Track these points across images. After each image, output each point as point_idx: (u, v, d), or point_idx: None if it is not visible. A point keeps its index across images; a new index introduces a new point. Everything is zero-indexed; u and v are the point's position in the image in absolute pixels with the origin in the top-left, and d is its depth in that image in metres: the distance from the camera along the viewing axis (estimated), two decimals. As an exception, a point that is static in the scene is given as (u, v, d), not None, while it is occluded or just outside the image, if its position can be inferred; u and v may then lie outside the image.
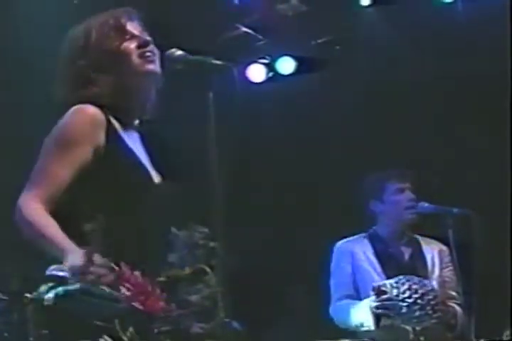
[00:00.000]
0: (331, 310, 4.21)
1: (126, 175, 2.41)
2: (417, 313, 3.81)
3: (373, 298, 3.91)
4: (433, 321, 3.81)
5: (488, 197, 5.58)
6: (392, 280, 3.89)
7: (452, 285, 4.12)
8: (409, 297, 3.82)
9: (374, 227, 4.26)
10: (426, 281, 3.94)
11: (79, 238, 2.30)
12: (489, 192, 5.74)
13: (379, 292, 3.88)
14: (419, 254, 4.21)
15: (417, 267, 4.12)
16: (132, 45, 2.50)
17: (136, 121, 2.57)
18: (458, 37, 5.84)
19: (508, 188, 5.53)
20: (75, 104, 2.45)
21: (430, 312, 3.81)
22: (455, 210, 4.08)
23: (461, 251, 3.97)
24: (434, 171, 5.89)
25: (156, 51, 2.52)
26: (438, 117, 6.33)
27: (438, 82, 6.19)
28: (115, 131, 2.45)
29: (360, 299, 4.09)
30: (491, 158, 5.75)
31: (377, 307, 3.89)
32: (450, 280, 4.15)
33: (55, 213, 2.36)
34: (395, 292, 3.84)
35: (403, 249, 4.22)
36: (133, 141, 2.52)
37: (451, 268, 4.16)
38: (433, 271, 4.14)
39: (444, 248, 4.22)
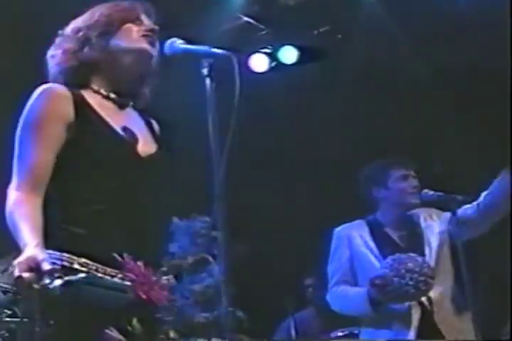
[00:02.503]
0: (328, 295, 4.21)
1: (100, 147, 2.37)
2: (423, 288, 3.85)
3: (371, 289, 3.91)
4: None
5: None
6: (386, 270, 3.90)
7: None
8: (411, 278, 3.84)
9: (375, 213, 4.26)
10: (413, 255, 3.96)
11: (78, 223, 2.30)
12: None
13: (380, 285, 3.88)
14: (418, 239, 4.21)
15: (415, 252, 4.12)
16: (137, 28, 2.51)
17: (131, 103, 2.56)
18: (459, 27, 5.82)
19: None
20: (68, 69, 2.46)
21: (430, 280, 3.87)
22: (459, 197, 4.07)
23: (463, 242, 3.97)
24: (435, 160, 5.89)
25: (158, 43, 2.53)
26: (439, 106, 6.33)
27: (439, 70, 6.19)
28: (87, 105, 2.41)
29: (357, 284, 4.10)
30: (492, 148, 5.75)
31: (379, 298, 3.90)
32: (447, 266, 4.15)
33: (47, 198, 2.34)
34: (396, 280, 3.86)
35: (402, 233, 4.22)
36: (126, 118, 2.49)
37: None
38: (430, 255, 4.14)
39: (449, 215, 4.16)
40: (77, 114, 2.39)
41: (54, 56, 2.51)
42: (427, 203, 4.16)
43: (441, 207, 4.16)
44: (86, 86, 2.48)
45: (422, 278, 3.86)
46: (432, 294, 3.94)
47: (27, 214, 2.28)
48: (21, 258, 2.14)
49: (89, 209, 2.32)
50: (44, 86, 2.42)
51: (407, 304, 3.93)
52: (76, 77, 2.47)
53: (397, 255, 3.96)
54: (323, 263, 4.31)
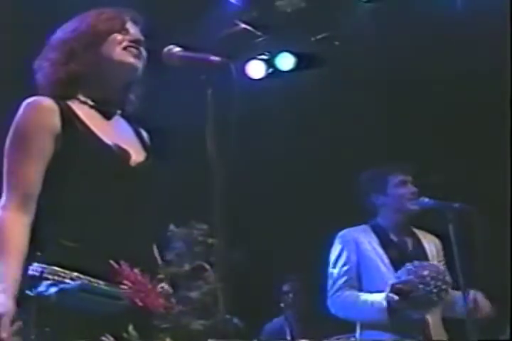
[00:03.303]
0: (330, 300, 4.15)
1: (88, 157, 2.36)
2: (443, 296, 3.84)
3: (394, 296, 3.86)
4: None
5: (488, 194, 5.59)
6: (411, 276, 3.86)
7: None
8: (436, 286, 3.82)
9: (376, 219, 4.25)
10: (433, 263, 3.96)
11: (70, 236, 2.29)
12: (488, 189, 5.75)
13: (403, 291, 3.84)
14: (419, 246, 4.21)
15: (420, 258, 4.11)
16: (122, 38, 2.50)
17: (118, 111, 2.55)
18: (458, 33, 5.83)
19: (508, 185, 5.55)
20: (54, 82, 2.45)
21: (450, 289, 3.86)
22: (456, 205, 4.08)
23: (460, 247, 3.97)
24: (434, 167, 5.89)
25: (144, 53, 2.52)
26: (438, 114, 6.33)
27: (438, 78, 6.19)
28: (74, 116, 2.41)
29: (361, 290, 4.07)
30: (491, 154, 5.77)
31: (399, 304, 3.85)
32: None
33: (38, 213, 2.33)
34: (421, 287, 3.82)
35: (406, 240, 4.22)
36: (114, 127, 2.49)
37: (443, 262, 4.18)
38: (433, 262, 4.14)
39: (438, 241, 4.24)
40: (64, 125, 2.38)
41: (41, 68, 2.51)
42: (423, 210, 4.17)
43: (438, 215, 4.16)
44: (73, 97, 2.48)
45: (444, 287, 3.82)
46: None
47: (9, 240, 2.26)
48: None
49: (79, 221, 2.31)
50: (30, 99, 2.41)
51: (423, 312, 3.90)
52: (63, 89, 2.47)
53: (418, 262, 3.92)
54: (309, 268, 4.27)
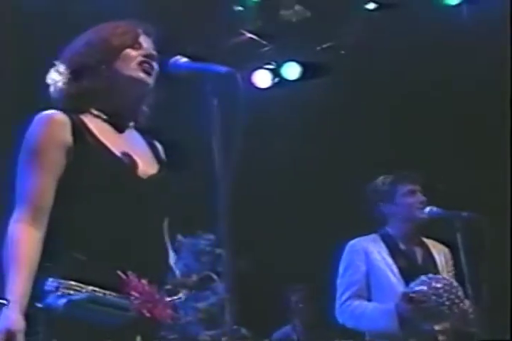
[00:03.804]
0: (338, 310, 4.12)
1: (99, 171, 2.36)
2: (457, 311, 3.81)
3: (406, 305, 3.84)
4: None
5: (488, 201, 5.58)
6: (424, 287, 3.84)
7: None
8: (448, 299, 3.79)
9: (385, 228, 4.23)
10: (447, 277, 3.94)
11: (82, 248, 2.29)
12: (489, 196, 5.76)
13: (415, 300, 3.81)
14: (429, 255, 4.19)
15: (429, 268, 4.10)
16: (136, 53, 2.50)
17: (131, 124, 2.56)
18: (463, 41, 5.83)
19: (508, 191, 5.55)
20: (67, 96, 2.47)
21: (463, 306, 3.82)
22: (464, 214, 4.06)
23: (468, 256, 3.96)
24: (439, 176, 5.88)
25: (156, 68, 2.52)
26: (443, 121, 6.33)
27: (443, 85, 6.19)
28: (86, 129, 2.41)
29: (371, 300, 4.05)
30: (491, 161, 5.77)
31: (410, 314, 3.83)
32: None
33: (50, 225, 2.33)
34: (433, 298, 3.80)
35: (415, 249, 4.20)
36: (126, 140, 2.48)
37: (453, 272, 4.16)
38: (442, 272, 4.12)
39: (447, 250, 4.22)
40: (76, 138, 2.38)
41: (54, 82, 2.52)
42: (432, 219, 4.15)
43: (446, 224, 4.15)
44: (86, 111, 2.48)
45: (457, 301, 3.79)
46: None
47: (20, 255, 2.27)
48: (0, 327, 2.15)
49: (90, 233, 2.31)
50: (42, 113, 2.42)
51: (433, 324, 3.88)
52: (75, 104, 2.47)
53: (432, 275, 3.90)
54: (318, 278, 4.26)
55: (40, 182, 2.35)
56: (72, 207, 2.35)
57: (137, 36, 2.53)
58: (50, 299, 2.16)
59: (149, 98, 2.56)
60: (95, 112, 2.48)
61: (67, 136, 2.38)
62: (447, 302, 3.78)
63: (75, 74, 2.48)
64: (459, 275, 4.04)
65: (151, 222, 2.40)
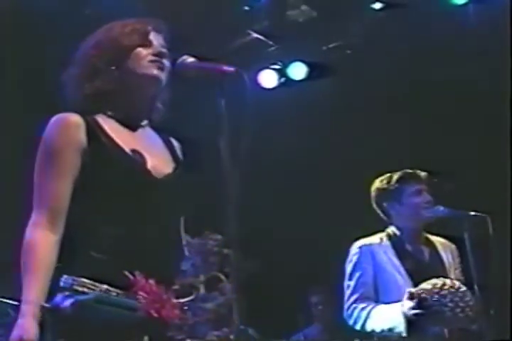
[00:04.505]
0: (347, 312, 4.11)
1: (113, 171, 2.37)
2: (461, 315, 3.78)
3: (409, 303, 3.83)
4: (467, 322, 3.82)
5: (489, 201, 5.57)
6: (429, 286, 3.83)
7: None
8: (451, 301, 3.78)
9: (391, 228, 4.22)
10: (457, 282, 3.92)
11: (96, 247, 2.30)
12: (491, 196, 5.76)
13: (419, 299, 3.80)
14: (436, 254, 4.18)
15: (436, 267, 4.09)
16: (146, 51, 2.50)
17: (145, 122, 2.55)
18: (470, 41, 5.82)
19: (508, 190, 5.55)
20: (81, 98, 2.47)
21: (470, 313, 3.79)
22: (471, 213, 4.05)
23: (475, 254, 3.95)
24: (445, 175, 5.87)
25: (168, 65, 2.51)
26: (449, 120, 6.32)
27: (449, 85, 6.18)
28: (100, 130, 2.42)
29: (378, 301, 4.04)
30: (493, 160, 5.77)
31: (416, 314, 3.81)
32: (461, 281, 4.12)
33: (67, 224, 2.34)
34: (436, 297, 3.79)
35: (422, 249, 4.19)
36: (141, 140, 2.49)
37: (460, 269, 4.15)
38: (450, 271, 4.11)
39: (454, 247, 4.21)
40: (90, 140, 2.40)
41: (67, 83, 2.53)
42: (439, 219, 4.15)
43: (453, 223, 4.14)
44: (100, 111, 2.48)
45: (462, 305, 3.77)
46: None
47: (36, 261, 2.28)
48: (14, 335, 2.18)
49: (106, 232, 2.32)
50: (56, 115, 2.43)
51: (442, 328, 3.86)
52: (89, 105, 2.48)
53: (442, 278, 3.89)
54: (333, 279, 4.26)
55: (58, 186, 2.36)
56: (86, 206, 2.36)
57: (147, 34, 2.52)
58: (57, 299, 2.16)
59: (163, 95, 2.56)
60: (109, 113, 2.49)
61: (81, 138, 2.39)
62: (450, 304, 3.76)
63: (88, 75, 2.48)
64: (465, 273, 4.04)
65: (164, 221, 2.40)
